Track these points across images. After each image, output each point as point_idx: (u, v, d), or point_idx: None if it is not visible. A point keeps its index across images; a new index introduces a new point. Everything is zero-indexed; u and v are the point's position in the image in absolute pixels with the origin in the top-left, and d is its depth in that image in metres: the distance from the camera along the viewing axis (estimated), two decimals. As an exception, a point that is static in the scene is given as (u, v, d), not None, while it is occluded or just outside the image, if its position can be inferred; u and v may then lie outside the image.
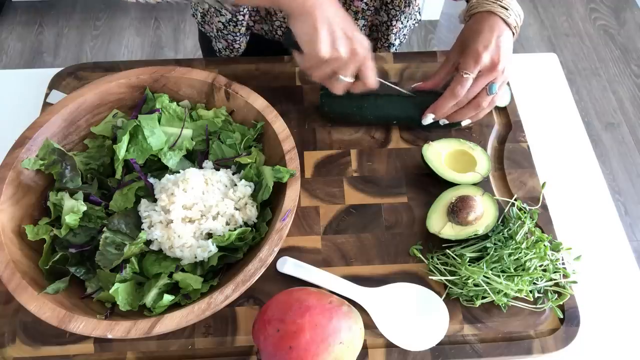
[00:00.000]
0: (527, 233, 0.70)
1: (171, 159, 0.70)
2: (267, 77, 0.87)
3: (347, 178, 0.78)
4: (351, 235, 0.73)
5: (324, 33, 0.66)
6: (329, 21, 0.66)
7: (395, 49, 1.02)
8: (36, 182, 0.67)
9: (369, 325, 0.65)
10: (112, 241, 0.63)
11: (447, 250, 0.70)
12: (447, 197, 0.73)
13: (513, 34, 0.76)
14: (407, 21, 0.97)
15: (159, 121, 0.72)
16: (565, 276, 0.69)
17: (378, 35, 0.98)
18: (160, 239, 0.63)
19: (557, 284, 0.68)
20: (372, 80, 0.72)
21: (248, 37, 0.97)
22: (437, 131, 0.83)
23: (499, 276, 0.66)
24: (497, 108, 0.86)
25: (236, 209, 0.67)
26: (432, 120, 0.78)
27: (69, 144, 0.71)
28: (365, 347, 0.65)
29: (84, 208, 0.64)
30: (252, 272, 0.59)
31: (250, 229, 0.66)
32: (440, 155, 0.77)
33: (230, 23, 0.92)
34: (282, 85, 0.87)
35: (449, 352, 0.65)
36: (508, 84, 0.87)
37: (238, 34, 0.94)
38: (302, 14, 0.66)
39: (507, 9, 0.75)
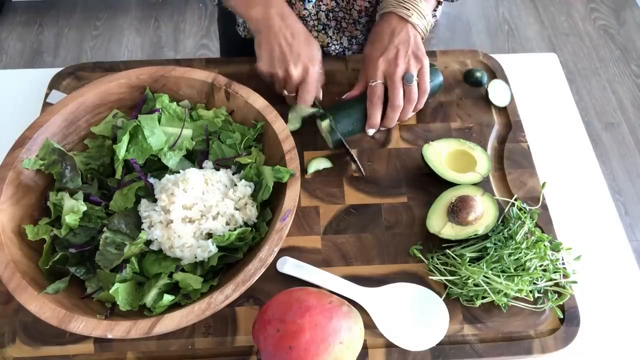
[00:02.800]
0: (527, 233, 0.70)
1: (171, 159, 0.70)
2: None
3: (347, 178, 0.78)
4: (351, 235, 0.73)
5: (265, 53, 0.75)
6: (272, 41, 0.74)
7: None
8: (36, 182, 0.67)
9: (369, 325, 0.65)
10: (112, 241, 0.63)
11: (447, 250, 0.70)
12: (447, 197, 0.73)
13: (419, 32, 0.78)
14: None
15: (159, 121, 0.72)
16: (565, 276, 0.69)
17: None
18: (160, 239, 0.63)
19: (557, 284, 0.68)
20: (306, 101, 0.76)
21: None
22: (437, 131, 0.83)
23: (499, 276, 0.66)
24: (497, 108, 0.86)
25: (236, 209, 0.67)
26: (374, 132, 0.79)
27: (69, 144, 0.71)
28: (365, 347, 0.65)
29: (84, 208, 0.64)
30: (252, 272, 0.59)
31: (250, 229, 0.66)
32: (440, 155, 0.77)
33: None
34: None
35: (449, 352, 0.65)
36: (508, 83, 0.87)
37: None
38: (256, 31, 0.76)
39: (408, 9, 0.77)
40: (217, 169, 0.71)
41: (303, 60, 0.74)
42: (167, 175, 0.68)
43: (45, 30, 2.28)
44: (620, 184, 1.92)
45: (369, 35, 0.81)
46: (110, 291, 0.59)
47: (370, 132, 0.79)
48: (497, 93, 0.86)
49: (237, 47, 1.05)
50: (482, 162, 0.77)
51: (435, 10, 0.85)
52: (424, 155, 0.76)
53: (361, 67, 0.80)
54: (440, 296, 0.68)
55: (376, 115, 0.77)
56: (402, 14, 0.77)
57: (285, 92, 0.78)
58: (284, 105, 0.82)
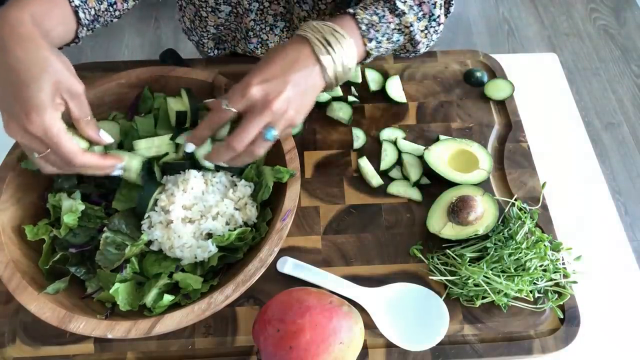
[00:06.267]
0: (527, 233, 0.70)
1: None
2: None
3: (347, 178, 0.78)
4: (351, 235, 0.73)
5: None
6: None
7: None
8: (36, 182, 0.67)
9: (369, 325, 0.65)
10: (112, 241, 0.63)
11: (447, 250, 0.70)
12: (448, 197, 0.73)
13: (325, 81, 0.62)
14: None
15: (156, 122, 0.72)
16: (565, 276, 0.69)
17: None
18: (161, 239, 0.63)
19: (557, 284, 0.68)
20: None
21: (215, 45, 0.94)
22: (437, 131, 0.83)
23: (499, 276, 0.66)
24: (497, 108, 0.86)
25: (236, 209, 0.67)
26: (192, 149, 0.64)
27: (69, 144, 0.71)
28: (365, 347, 0.65)
29: (82, 207, 0.63)
30: (252, 272, 0.59)
31: (250, 229, 0.66)
32: (443, 158, 0.76)
33: (196, 18, 0.90)
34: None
35: (449, 352, 0.65)
36: (509, 81, 0.87)
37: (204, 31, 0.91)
38: None
39: (325, 47, 0.61)
40: (217, 170, 0.71)
41: (15, 115, 0.53)
42: (166, 176, 0.68)
43: (45, 30, 2.28)
44: (620, 184, 1.92)
45: (266, 54, 0.64)
46: (111, 291, 0.59)
47: (189, 147, 0.64)
48: (496, 88, 0.86)
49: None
50: (484, 158, 0.77)
51: (363, 62, 0.68)
52: (427, 161, 0.76)
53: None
54: (441, 296, 0.68)
55: (203, 136, 0.63)
56: (315, 49, 0.60)
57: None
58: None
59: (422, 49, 0.73)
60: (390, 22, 0.67)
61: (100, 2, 0.68)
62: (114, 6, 0.70)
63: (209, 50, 1.00)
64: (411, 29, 0.68)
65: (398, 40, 0.69)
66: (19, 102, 0.53)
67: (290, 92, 0.59)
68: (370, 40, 0.65)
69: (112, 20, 0.72)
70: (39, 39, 0.55)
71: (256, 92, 0.58)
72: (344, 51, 0.62)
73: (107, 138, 0.62)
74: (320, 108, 0.84)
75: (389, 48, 0.69)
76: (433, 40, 0.73)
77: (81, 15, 0.64)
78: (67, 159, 0.56)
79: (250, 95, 0.58)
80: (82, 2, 0.64)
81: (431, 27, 0.71)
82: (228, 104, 0.59)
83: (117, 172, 0.63)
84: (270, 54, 0.62)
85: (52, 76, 0.55)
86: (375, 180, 0.77)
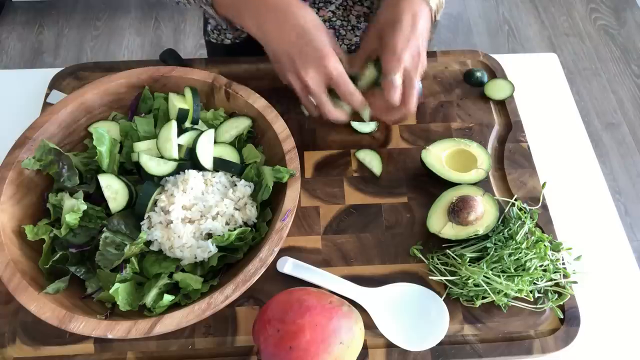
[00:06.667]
0: (527, 233, 0.70)
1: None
2: (267, 77, 0.87)
3: (347, 178, 0.78)
4: (351, 235, 0.73)
5: (275, 65, 0.71)
6: (276, 47, 0.68)
7: None
8: (37, 182, 0.67)
9: (369, 325, 0.65)
10: (112, 241, 0.63)
11: (448, 250, 0.70)
12: (448, 197, 0.73)
13: (432, 18, 0.72)
14: None
15: (156, 122, 0.72)
16: (565, 276, 0.69)
17: None
18: (160, 239, 0.63)
19: (557, 284, 0.68)
20: (353, 102, 0.70)
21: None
22: (437, 131, 0.83)
23: (499, 276, 0.66)
24: (497, 108, 0.86)
25: (236, 209, 0.67)
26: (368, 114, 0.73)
27: (69, 144, 0.71)
28: (365, 347, 0.65)
29: (84, 207, 0.63)
30: (252, 272, 0.59)
31: (250, 229, 0.66)
32: (440, 158, 0.76)
33: None
34: (282, 86, 0.87)
35: (449, 352, 0.65)
36: (509, 81, 0.87)
37: None
38: (260, 40, 0.70)
39: None
40: (217, 170, 0.71)
41: (312, 60, 0.66)
42: (166, 177, 0.68)
43: (45, 31, 2.28)
44: (620, 184, 1.92)
45: (383, 11, 0.72)
46: (110, 291, 0.59)
47: (370, 125, 0.74)
48: (496, 88, 0.86)
49: (222, 52, 1.03)
50: (482, 157, 0.76)
51: None
52: (424, 161, 0.76)
53: (363, 44, 0.73)
54: (441, 296, 0.68)
55: (390, 115, 0.72)
56: None
57: (314, 104, 0.71)
58: (283, 106, 0.83)
59: (438, 16, 0.79)
60: None
61: None
62: None
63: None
64: None
65: None
66: (312, 49, 0.65)
67: (422, 43, 0.69)
68: None
69: None
70: (307, 7, 0.68)
71: (407, 57, 0.67)
72: None
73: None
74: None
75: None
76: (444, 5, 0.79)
77: None
78: (349, 92, 0.68)
79: (404, 58, 0.67)
80: None
81: None
82: (393, 74, 0.67)
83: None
84: (392, 15, 0.69)
85: (328, 35, 0.68)
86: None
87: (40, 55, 2.20)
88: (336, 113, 0.70)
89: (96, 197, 0.67)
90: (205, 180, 0.67)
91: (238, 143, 0.72)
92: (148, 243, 0.64)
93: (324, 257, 0.71)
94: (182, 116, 0.70)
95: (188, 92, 0.71)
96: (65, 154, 0.67)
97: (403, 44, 0.67)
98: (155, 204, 0.66)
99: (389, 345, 0.65)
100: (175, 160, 0.68)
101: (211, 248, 0.63)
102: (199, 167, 0.67)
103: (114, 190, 0.65)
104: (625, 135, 2.05)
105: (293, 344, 0.55)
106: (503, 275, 0.66)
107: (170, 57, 0.86)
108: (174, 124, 0.68)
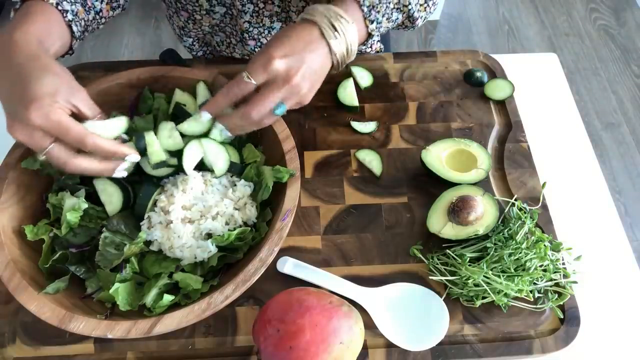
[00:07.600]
0: (527, 233, 0.70)
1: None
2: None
3: (347, 178, 0.78)
4: (351, 235, 0.73)
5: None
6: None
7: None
8: (37, 182, 0.67)
9: (369, 325, 0.65)
10: (111, 241, 0.63)
11: (448, 250, 0.70)
12: (448, 197, 0.73)
13: (333, 63, 0.64)
14: None
15: (156, 122, 0.72)
16: (565, 276, 0.69)
17: None
18: (160, 239, 0.63)
19: (557, 284, 0.68)
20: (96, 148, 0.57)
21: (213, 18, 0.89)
22: (437, 131, 0.83)
23: (499, 276, 0.66)
24: (497, 108, 0.86)
25: (236, 209, 0.67)
26: (208, 118, 0.64)
27: (69, 144, 0.71)
28: (365, 347, 0.65)
29: (85, 205, 0.63)
30: (252, 272, 0.59)
31: (249, 229, 0.66)
32: (440, 158, 0.76)
33: None
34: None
35: (449, 352, 0.65)
36: (509, 81, 0.87)
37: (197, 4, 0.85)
38: None
39: (333, 32, 0.62)
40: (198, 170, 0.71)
41: (19, 109, 0.54)
42: (165, 177, 0.68)
43: (45, 30, 2.28)
44: (620, 184, 1.92)
45: (278, 32, 0.64)
46: (110, 291, 0.59)
47: (205, 116, 0.63)
48: (496, 88, 0.87)
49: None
50: (482, 157, 0.77)
51: (364, 43, 0.71)
52: (424, 161, 0.76)
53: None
54: (441, 296, 0.68)
55: (220, 105, 0.63)
56: (325, 33, 0.62)
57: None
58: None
59: (420, 22, 0.74)
60: (389, 2, 0.68)
61: (88, 13, 0.70)
62: (100, 14, 0.73)
63: (199, 53, 1.00)
64: (409, 7, 0.70)
65: (397, 19, 0.71)
66: (21, 99, 0.54)
67: (307, 70, 0.60)
68: (372, 22, 0.67)
69: (98, 27, 0.75)
70: (45, 56, 0.58)
71: (279, 66, 0.59)
72: (348, 35, 0.64)
73: (123, 136, 0.63)
74: (323, 109, 0.84)
75: (388, 27, 0.71)
76: (431, 13, 0.75)
77: (74, 28, 0.67)
78: (77, 140, 0.55)
79: (273, 69, 0.59)
80: (73, 15, 0.66)
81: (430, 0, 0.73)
82: (249, 76, 0.59)
83: (121, 174, 0.62)
84: (284, 32, 0.62)
85: (54, 76, 0.56)
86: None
87: (40, 55, 2.20)
88: (83, 164, 0.58)
89: (96, 197, 0.67)
90: (205, 181, 0.67)
91: (238, 143, 0.72)
92: (148, 243, 0.64)
93: (323, 257, 0.71)
94: (178, 112, 0.70)
95: (201, 87, 0.72)
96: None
97: (281, 52, 0.59)
98: (155, 204, 0.66)
99: (389, 345, 0.65)
100: (162, 162, 0.65)
101: (211, 248, 0.63)
102: (199, 167, 0.67)
103: (109, 194, 0.65)
104: (625, 135, 2.05)
105: (293, 344, 0.55)
106: (503, 275, 0.66)
107: (170, 57, 0.86)
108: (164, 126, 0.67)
